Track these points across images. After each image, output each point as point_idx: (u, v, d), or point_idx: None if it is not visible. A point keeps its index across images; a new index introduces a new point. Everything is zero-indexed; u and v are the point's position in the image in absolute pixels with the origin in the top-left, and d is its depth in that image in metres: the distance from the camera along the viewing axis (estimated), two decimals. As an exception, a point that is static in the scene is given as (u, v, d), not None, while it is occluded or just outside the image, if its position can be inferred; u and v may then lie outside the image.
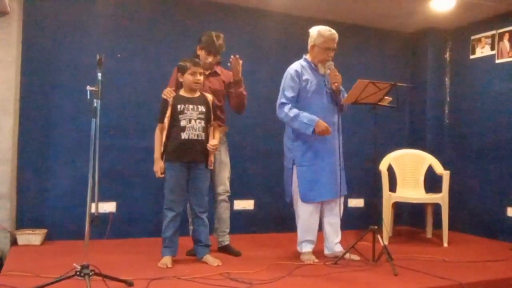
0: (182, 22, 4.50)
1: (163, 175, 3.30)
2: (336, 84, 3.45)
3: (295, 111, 3.39)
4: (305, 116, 3.37)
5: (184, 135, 3.25)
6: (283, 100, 3.45)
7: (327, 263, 3.39)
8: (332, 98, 3.53)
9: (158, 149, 3.33)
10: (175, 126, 3.27)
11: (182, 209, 3.34)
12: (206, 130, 3.33)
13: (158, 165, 3.31)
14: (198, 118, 3.29)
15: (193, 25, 4.51)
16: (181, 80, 3.35)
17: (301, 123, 3.36)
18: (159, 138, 3.33)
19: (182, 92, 3.36)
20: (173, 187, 3.28)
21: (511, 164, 4.57)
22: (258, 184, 4.72)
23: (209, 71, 3.64)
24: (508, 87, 4.64)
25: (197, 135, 3.28)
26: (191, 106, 3.30)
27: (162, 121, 3.31)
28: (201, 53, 3.60)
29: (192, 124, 3.27)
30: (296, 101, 3.45)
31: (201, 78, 3.33)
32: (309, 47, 3.55)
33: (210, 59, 3.58)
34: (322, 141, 3.47)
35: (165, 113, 3.29)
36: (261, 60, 4.75)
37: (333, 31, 3.47)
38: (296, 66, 3.53)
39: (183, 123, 3.26)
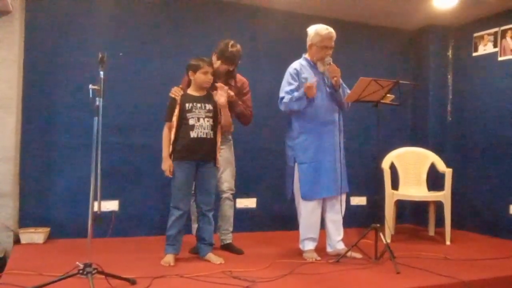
0: (184, 20, 4.50)
1: (171, 175, 3.30)
2: (335, 78, 3.45)
3: (289, 96, 3.44)
4: (296, 94, 3.42)
5: (193, 134, 3.26)
6: (282, 95, 3.51)
7: (329, 261, 3.40)
8: (333, 96, 3.54)
9: (166, 148, 3.33)
10: (183, 125, 3.28)
11: (188, 207, 3.35)
12: (214, 128, 3.34)
13: (167, 164, 3.30)
14: (206, 117, 3.30)
15: (194, 23, 4.51)
16: (191, 78, 3.36)
17: (296, 100, 3.40)
18: (167, 136, 3.33)
19: (190, 91, 3.38)
20: (181, 186, 3.28)
21: (513, 161, 4.57)
22: (260, 182, 4.72)
23: (221, 80, 3.63)
24: (511, 85, 4.63)
25: (206, 133, 3.29)
26: (199, 105, 3.30)
27: (170, 120, 3.32)
28: (213, 57, 3.60)
29: (201, 122, 3.28)
30: None
31: (212, 78, 3.34)
32: (307, 46, 3.56)
33: (217, 64, 3.56)
34: (323, 139, 3.48)
35: (173, 111, 3.30)
36: (262, 58, 4.75)
37: (330, 29, 3.47)
38: (295, 64, 3.56)
39: (191, 121, 3.27)
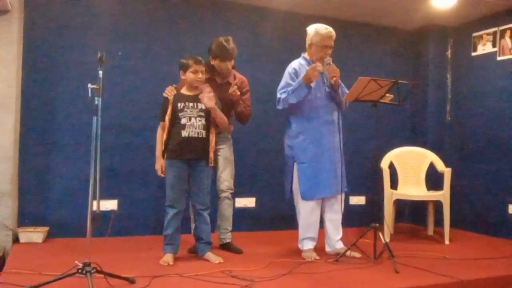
0: (183, 20, 4.49)
1: (163, 174, 3.31)
2: (334, 78, 3.45)
3: (285, 94, 3.42)
4: (292, 87, 3.39)
5: (184, 133, 3.26)
6: (279, 96, 3.50)
7: (328, 261, 3.40)
8: (332, 96, 3.54)
9: (159, 147, 3.35)
10: (175, 124, 3.29)
11: (183, 206, 3.35)
12: (206, 127, 3.34)
13: (159, 163, 3.33)
14: (198, 116, 3.30)
15: (193, 23, 4.51)
16: (182, 77, 3.36)
17: (294, 93, 3.37)
18: (161, 136, 3.35)
19: (183, 90, 3.38)
20: (174, 185, 3.28)
21: (512, 161, 4.57)
22: (259, 181, 4.72)
23: (222, 81, 3.64)
24: (510, 84, 4.63)
25: (198, 133, 3.29)
26: (191, 104, 3.30)
27: (163, 119, 3.33)
28: (216, 62, 3.58)
29: (192, 122, 3.28)
30: None
31: (203, 76, 3.33)
32: (306, 45, 3.56)
33: (228, 65, 3.57)
34: (322, 138, 3.48)
35: (166, 111, 3.31)
36: (262, 58, 4.74)
37: (330, 28, 3.47)
38: (294, 64, 3.55)
39: (183, 121, 3.27)
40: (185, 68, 3.32)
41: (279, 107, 3.50)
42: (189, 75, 3.31)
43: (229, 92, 3.52)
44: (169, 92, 3.36)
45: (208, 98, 3.27)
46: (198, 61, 3.31)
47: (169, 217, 3.27)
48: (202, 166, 3.34)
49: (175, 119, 3.30)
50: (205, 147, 3.33)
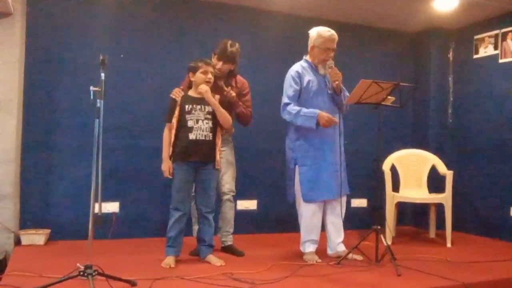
0: (185, 22, 4.50)
1: (171, 176, 3.30)
2: (337, 82, 3.45)
3: (296, 108, 3.42)
4: (306, 111, 3.39)
5: (191, 136, 3.26)
6: (286, 101, 3.48)
7: (330, 263, 3.39)
8: (333, 99, 3.54)
9: (166, 149, 3.34)
10: (183, 127, 3.29)
11: (188, 209, 3.36)
12: (213, 130, 3.34)
13: (167, 165, 3.32)
14: (206, 119, 3.30)
15: (195, 25, 4.52)
16: (192, 79, 3.37)
17: (303, 118, 3.38)
18: (168, 137, 3.34)
19: (190, 92, 3.38)
20: (180, 187, 3.28)
21: (514, 164, 4.57)
22: (261, 184, 4.72)
23: (223, 80, 3.65)
24: (511, 87, 4.63)
25: (205, 136, 3.28)
26: (198, 107, 3.31)
27: (170, 121, 3.33)
28: (214, 58, 3.62)
29: (200, 124, 3.28)
30: (298, 101, 3.47)
31: (212, 77, 3.35)
32: (309, 48, 3.56)
33: (219, 65, 3.58)
34: (324, 141, 3.48)
35: (173, 112, 3.30)
36: (263, 60, 4.75)
37: (333, 31, 3.47)
38: (296, 67, 3.55)
39: (190, 123, 3.27)
40: (194, 69, 3.33)
41: (284, 116, 3.47)
42: (199, 76, 3.32)
43: (225, 93, 3.53)
44: (177, 93, 3.36)
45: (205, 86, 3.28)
46: (208, 63, 3.36)
47: (174, 219, 3.27)
48: (209, 168, 3.34)
49: (182, 121, 3.29)
50: (212, 150, 3.33)
